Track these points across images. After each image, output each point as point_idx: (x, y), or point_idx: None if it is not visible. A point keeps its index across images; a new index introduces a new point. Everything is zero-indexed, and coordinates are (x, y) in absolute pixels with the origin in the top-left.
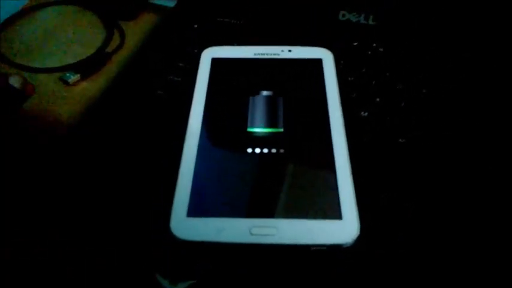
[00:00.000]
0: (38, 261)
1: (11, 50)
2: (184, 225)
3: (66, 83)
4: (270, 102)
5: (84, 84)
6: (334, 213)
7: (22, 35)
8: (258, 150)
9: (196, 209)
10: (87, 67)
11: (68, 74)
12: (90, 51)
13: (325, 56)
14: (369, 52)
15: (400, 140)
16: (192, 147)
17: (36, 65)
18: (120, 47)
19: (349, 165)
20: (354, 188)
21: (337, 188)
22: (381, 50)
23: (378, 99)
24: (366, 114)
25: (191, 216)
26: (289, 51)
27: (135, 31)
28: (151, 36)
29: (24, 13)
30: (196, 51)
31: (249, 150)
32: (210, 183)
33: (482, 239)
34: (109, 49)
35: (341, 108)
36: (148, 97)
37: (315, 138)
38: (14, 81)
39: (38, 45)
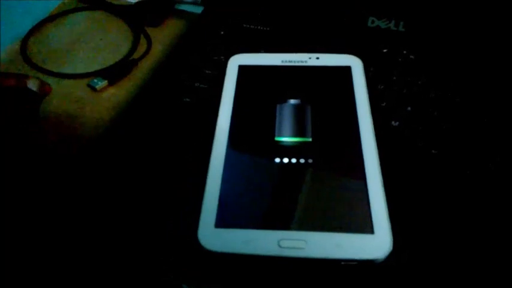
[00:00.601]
0: (62, 267)
1: (39, 56)
2: (212, 236)
3: (93, 89)
4: (298, 110)
5: (111, 90)
6: (366, 227)
7: (50, 40)
8: (286, 160)
9: (224, 219)
10: (114, 73)
11: (95, 80)
12: (118, 57)
13: (354, 63)
14: (400, 59)
15: (433, 151)
16: (219, 156)
17: (65, 70)
18: (146, 53)
19: (380, 177)
20: (385, 201)
21: (369, 200)
22: (412, 57)
23: (409, 108)
24: (397, 123)
25: (219, 227)
26: (317, 58)
27: (162, 38)
28: (178, 43)
29: (52, 19)
30: (223, 58)
31: (277, 160)
32: (238, 193)
33: None
34: (136, 55)
35: (371, 117)
36: (175, 104)
37: (345, 149)
38: (33, 85)
39: (66, 51)
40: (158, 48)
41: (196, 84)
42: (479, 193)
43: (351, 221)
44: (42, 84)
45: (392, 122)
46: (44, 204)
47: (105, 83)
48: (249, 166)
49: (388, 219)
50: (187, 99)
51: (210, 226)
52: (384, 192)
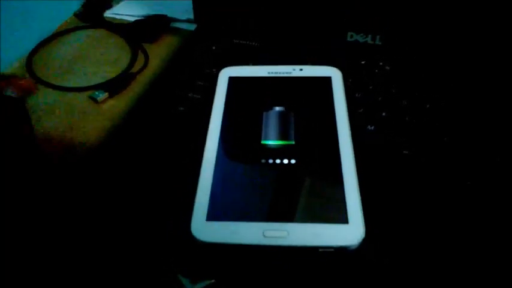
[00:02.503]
0: (61, 263)
1: (44, 71)
2: (204, 228)
3: (95, 101)
4: (282, 117)
5: (111, 101)
6: (341, 217)
7: (54, 56)
8: (271, 161)
9: (215, 213)
10: (114, 86)
11: (97, 93)
12: (117, 71)
13: (334, 74)
14: (376, 70)
15: (405, 151)
16: (211, 158)
17: (67, 84)
18: (144, 67)
19: (355, 174)
20: (359, 195)
21: (344, 194)
22: (387, 68)
23: (384, 114)
24: (373, 128)
25: (210, 220)
26: (301, 70)
27: (158, 53)
28: (173, 57)
29: (55, 36)
30: (214, 70)
31: (263, 160)
32: (227, 190)
33: (486, 244)
34: (134, 69)
35: (349, 122)
36: (170, 112)
37: (324, 150)
38: (11, 92)
39: (68, 66)
40: (155, 63)
41: (189, 95)
42: (444, 188)
43: (328, 213)
44: (23, 87)
45: (368, 126)
46: (46, 201)
47: (105, 95)
48: (237, 166)
49: (361, 210)
50: (182, 108)
51: (202, 219)
52: (358, 188)
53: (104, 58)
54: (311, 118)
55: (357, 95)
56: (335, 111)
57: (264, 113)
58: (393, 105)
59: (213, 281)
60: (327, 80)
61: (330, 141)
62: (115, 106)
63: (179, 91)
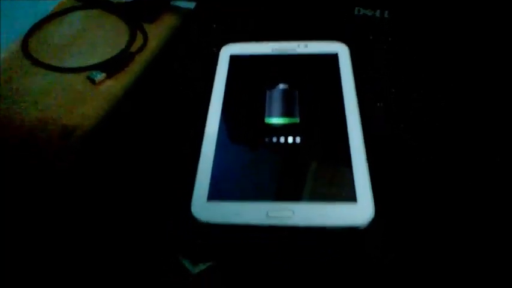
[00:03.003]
0: (57, 245)
1: (40, 53)
2: (205, 208)
3: (92, 81)
4: (287, 94)
5: (109, 82)
6: (349, 196)
7: (50, 38)
8: (275, 139)
9: (216, 193)
10: (112, 66)
11: (94, 73)
12: (115, 52)
13: (341, 50)
14: (384, 46)
15: (415, 128)
16: (212, 136)
17: (65, 65)
18: (143, 47)
19: (363, 151)
20: (368, 173)
21: (352, 173)
22: (397, 43)
23: (393, 90)
24: (382, 104)
25: (211, 200)
26: (306, 46)
27: (157, 32)
28: (173, 36)
29: (52, 17)
30: (215, 49)
31: (267, 139)
32: (230, 169)
33: (492, 226)
34: (133, 49)
35: (356, 99)
36: (170, 92)
37: (331, 127)
38: None
39: (65, 47)
40: (154, 43)
41: (190, 74)
42: (456, 166)
43: (335, 192)
44: None
45: (378, 103)
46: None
47: (103, 75)
48: (239, 145)
49: (371, 189)
50: (182, 87)
51: (202, 200)
52: (367, 165)
53: (101, 38)
54: (317, 95)
55: (365, 71)
56: (342, 87)
57: (268, 91)
58: (403, 80)
59: (214, 262)
60: (334, 56)
61: (336, 118)
62: (113, 87)
63: (179, 70)
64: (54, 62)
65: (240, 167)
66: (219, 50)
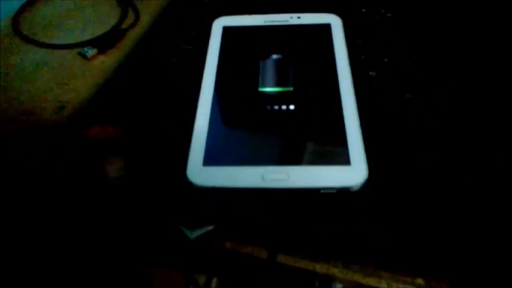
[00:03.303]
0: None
1: (31, 30)
2: (200, 173)
3: (84, 57)
4: (280, 64)
5: (101, 58)
6: (343, 159)
7: (41, 15)
8: (269, 106)
9: (212, 158)
10: (103, 42)
11: (86, 49)
12: (107, 28)
13: (334, 21)
14: (377, 18)
15: (407, 95)
16: (206, 105)
17: (56, 42)
18: (134, 23)
19: (357, 117)
20: (362, 137)
21: (346, 137)
22: (389, 15)
23: (386, 60)
24: (374, 73)
25: (207, 165)
26: (298, 17)
27: (149, 10)
28: (165, 10)
29: None
30: (207, 21)
31: (261, 106)
32: (224, 135)
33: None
34: (124, 26)
35: (349, 68)
36: (163, 63)
37: (324, 94)
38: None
39: (57, 24)
40: (145, 20)
41: (183, 46)
42: (444, 132)
43: (329, 155)
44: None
45: (370, 72)
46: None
47: (95, 51)
48: (233, 112)
49: (364, 152)
50: (175, 59)
51: (198, 165)
52: (360, 130)
53: (92, 16)
54: (310, 65)
55: (358, 42)
56: (335, 57)
57: (261, 62)
58: (396, 51)
59: (212, 227)
60: (327, 27)
61: (330, 85)
62: (105, 62)
63: (172, 43)
64: (45, 40)
65: (235, 133)
66: (211, 22)
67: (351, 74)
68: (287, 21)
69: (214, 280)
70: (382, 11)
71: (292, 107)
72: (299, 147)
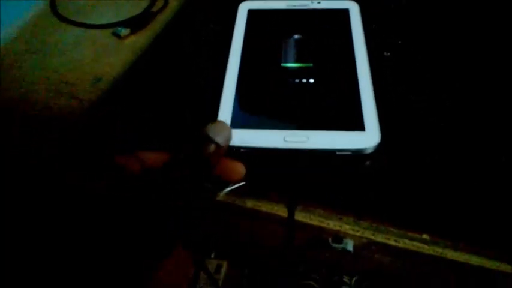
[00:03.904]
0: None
1: (68, 11)
2: None
3: (118, 36)
4: (301, 43)
5: (133, 38)
6: (358, 125)
7: None
8: (290, 80)
9: (238, 122)
10: (136, 23)
11: (119, 29)
12: (138, 11)
13: (352, 6)
14: (392, 5)
15: (412, 96)
16: (233, 76)
17: (91, 22)
18: (164, 7)
19: (371, 88)
20: (375, 106)
21: (361, 105)
22: (404, 1)
23: (400, 42)
24: (389, 54)
25: (234, 128)
26: (318, 2)
27: None
28: None
29: None
30: (233, 5)
31: (283, 79)
32: (250, 103)
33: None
34: (155, 9)
35: (365, 47)
36: (193, 42)
37: (341, 70)
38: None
39: (91, 6)
40: (175, 4)
41: (211, 26)
42: (447, 130)
43: (345, 122)
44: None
45: (385, 53)
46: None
47: (128, 30)
48: (258, 83)
49: (377, 119)
50: (204, 38)
51: None
52: (374, 100)
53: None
54: (329, 44)
55: (373, 26)
56: (352, 38)
57: (283, 41)
58: (410, 33)
59: (236, 185)
60: (345, 12)
61: (347, 62)
62: (137, 42)
63: (200, 24)
64: (81, 19)
65: (259, 101)
66: (237, 5)
67: (366, 52)
68: (308, 5)
69: (224, 265)
70: None
71: (312, 80)
72: (318, 114)
